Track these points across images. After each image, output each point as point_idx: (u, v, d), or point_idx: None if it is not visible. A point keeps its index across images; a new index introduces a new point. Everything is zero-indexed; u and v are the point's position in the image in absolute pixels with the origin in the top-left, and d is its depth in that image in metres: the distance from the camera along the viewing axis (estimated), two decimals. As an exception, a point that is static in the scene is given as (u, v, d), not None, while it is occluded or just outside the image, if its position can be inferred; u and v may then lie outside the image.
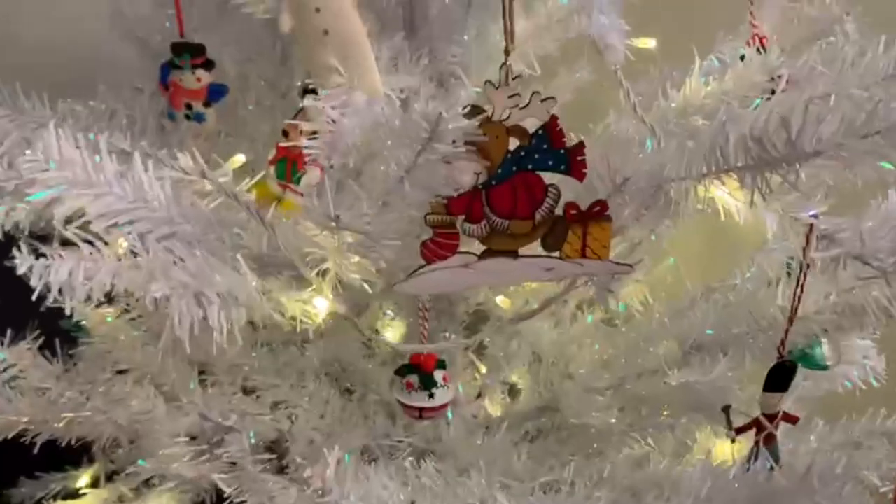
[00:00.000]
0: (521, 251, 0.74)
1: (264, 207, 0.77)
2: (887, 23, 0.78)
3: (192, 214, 0.74)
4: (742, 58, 0.92)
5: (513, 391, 1.22)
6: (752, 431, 0.89)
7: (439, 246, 0.73)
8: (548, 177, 0.72)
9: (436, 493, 0.90)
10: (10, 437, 0.97)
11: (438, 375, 0.93)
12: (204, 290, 0.62)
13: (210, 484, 0.99)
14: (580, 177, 0.72)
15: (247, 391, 1.09)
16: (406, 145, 0.66)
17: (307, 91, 0.79)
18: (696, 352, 1.02)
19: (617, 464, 1.02)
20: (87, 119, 0.96)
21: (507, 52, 0.69)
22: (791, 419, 0.90)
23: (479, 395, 1.19)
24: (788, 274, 0.94)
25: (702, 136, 0.75)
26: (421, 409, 0.93)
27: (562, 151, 0.71)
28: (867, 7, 1.00)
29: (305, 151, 0.71)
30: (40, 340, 0.97)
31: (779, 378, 0.86)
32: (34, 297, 0.63)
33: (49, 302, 0.63)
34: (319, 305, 0.76)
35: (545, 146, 0.71)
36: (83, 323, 0.99)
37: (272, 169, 0.81)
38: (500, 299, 1.12)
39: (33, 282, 0.62)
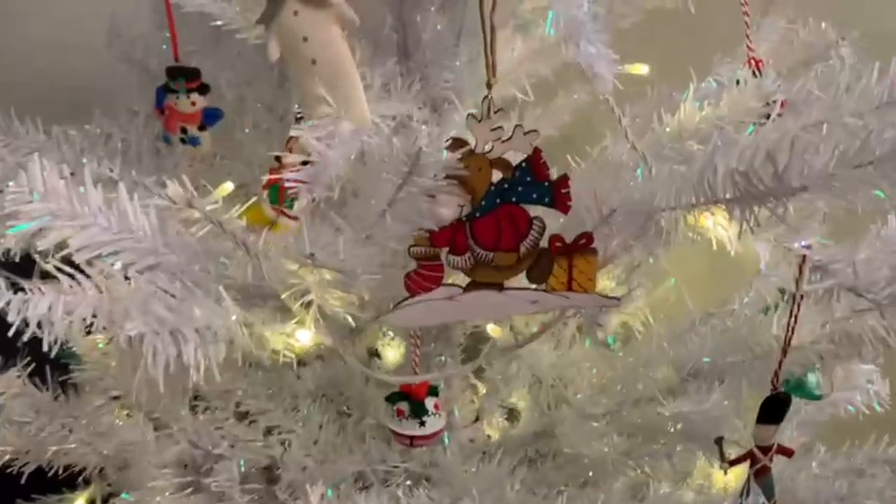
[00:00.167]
0: (507, 284, 0.73)
1: (258, 231, 0.76)
2: (882, 47, 0.77)
3: (178, 244, 0.73)
4: (738, 82, 0.91)
5: (511, 414, 1.21)
6: (747, 463, 0.87)
7: (423, 278, 0.72)
8: (533, 209, 0.72)
9: (428, 522, 0.89)
10: (-1, 463, 0.97)
11: (430, 403, 0.92)
12: (181, 327, 0.62)
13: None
14: (564, 210, 0.71)
15: (240, 416, 1.08)
16: (386, 179, 0.66)
17: (298, 119, 0.79)
18: (692, 379, 1.01)
19: (612, 493, 1.01)
20: (82, 143, 0.96)
21: (489, 86, 0.69)
22: (786, 452, 0.89)
23: (477, 419, 1.19)
24: (780, 304, 0.93)
25: (694, 162, 0.74)
26: (412, 437, 0.92)
27: (545, 184, 0.70)
28: (863, 31, 0.99)
29: (286, 185, 0.70)
30: (30, 368, 0.95)
31: (773, 410, 0.85)
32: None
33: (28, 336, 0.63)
34: (302, 338, 0.75)
35: (529, 179, 0.70)
36: (74, 349, 0.99)
37: (265, 193, 0.81)
38: (491, 328, 1.11)
39: (11, 317, 0.61)
